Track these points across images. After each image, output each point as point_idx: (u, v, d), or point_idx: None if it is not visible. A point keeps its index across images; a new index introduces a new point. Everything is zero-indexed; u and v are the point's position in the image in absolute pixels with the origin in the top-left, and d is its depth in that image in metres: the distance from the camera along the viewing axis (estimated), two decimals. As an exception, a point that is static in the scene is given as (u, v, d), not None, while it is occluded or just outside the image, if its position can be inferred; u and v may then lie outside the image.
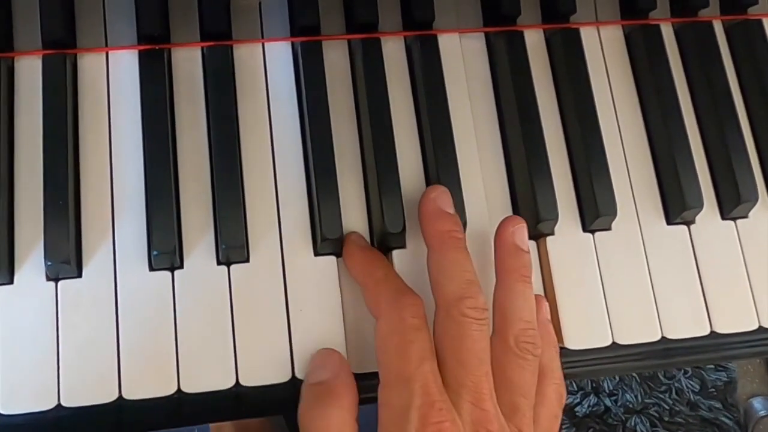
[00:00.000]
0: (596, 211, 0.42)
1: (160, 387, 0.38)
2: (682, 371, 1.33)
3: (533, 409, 0.38)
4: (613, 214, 0.42)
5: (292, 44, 0.43)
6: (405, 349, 0.35)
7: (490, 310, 0.38)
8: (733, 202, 0.43)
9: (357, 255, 0.40)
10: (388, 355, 0.36)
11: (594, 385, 1.31)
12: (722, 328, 0.42)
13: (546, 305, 0.41)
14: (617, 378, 1.31)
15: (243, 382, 0.38)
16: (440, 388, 0.35)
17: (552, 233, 0.42)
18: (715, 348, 0.43)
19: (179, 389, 0.38)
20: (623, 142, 0.44)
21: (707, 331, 0.42)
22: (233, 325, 0.39)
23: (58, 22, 0.41)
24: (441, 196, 0.40)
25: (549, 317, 0.41)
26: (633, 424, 1.29)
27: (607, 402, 1.30)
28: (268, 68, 0.43)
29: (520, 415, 0.36)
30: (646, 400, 1.31)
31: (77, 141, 0.40)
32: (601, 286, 0.42)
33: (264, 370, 0.38)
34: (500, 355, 0.37)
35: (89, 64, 0.42)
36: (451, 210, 0.40)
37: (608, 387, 1.31)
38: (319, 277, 0.40)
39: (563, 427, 1.29)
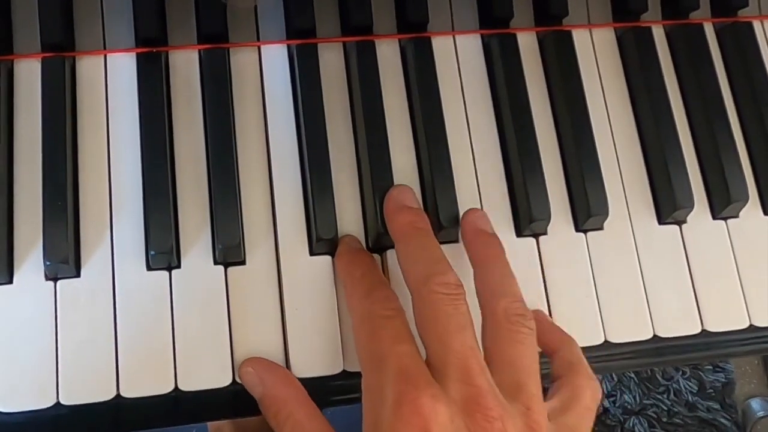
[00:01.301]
0: (588, 211, 0.42)
1: (158, 385, 0.38)
2: (680, 372, 1.33)
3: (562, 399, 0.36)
4: (604, 213, 0.42)
5: (288, 47, 0.44)
6: (376, 334, 0.35)
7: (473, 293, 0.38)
8: (723, 202, 0.43)
9: (344, 255, 0.40)
10: (362, 344, 0.36)
11: (592, 386, 1.31)
12: (713, 327, 0.43)
13: (544, 314, 0.41)
14: (615, 379, 1.31)
15: (240, 380, 0.38)
16: (420, 367, 0.33)
17: (545, 233, 0.43)
18: (706, 346, 0.43)
19: (176, 387, 0.38)
20: (615, 142, 0.45)
21: (698, 330, 0.42)
22: (230, 323, 0.39)
23: (57, 26, 0.41)
24: (402, 193, 0.40)
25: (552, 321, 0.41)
26: (631, 425, 1.29)
27: (606, 403, 1.30)
28: (264, 70, 0.43)
29: (526, 393, 0.34)
30: (645, 401, 1.31)
31: (76, 142, 0.41)
32: (593, 285, 0.42)
33: (260, 369, 0.39)
34: (493, 334, 0.36)
35: (88, 67, 0.42)
36: (414, 204, 0.40)
37: (606, 388, 1.31)
38: (314, 277, 0.40)
39: (561, 428, 1.29)
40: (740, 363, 1.39)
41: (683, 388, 1.32)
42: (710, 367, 1.34)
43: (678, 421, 1.31)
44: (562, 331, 0.40)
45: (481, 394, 0.32)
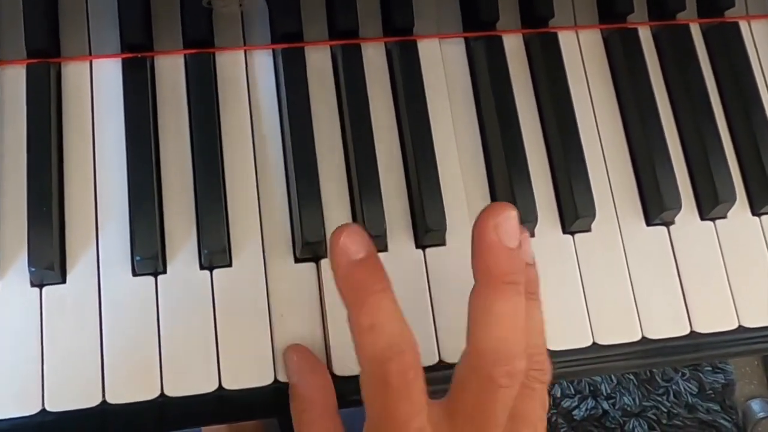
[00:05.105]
0: (575, 213, 0.42)
1: (144, 391, 0.38)
2: (680, 373, 1.33)
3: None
4: (592, 215, 0.42)
5: (274, 51, 0.44)
6: (389, 412, 0.31)
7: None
8: (711, 203, 0.43)
9: (344, 271, 0.33)
10: (373, 410, 0.32)
11: (592, 388, 1.31)
12: (702, 328, 0.42)
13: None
14: (615, 381, 1.31)
15: (226, 385, 0.38)
16: None
17: (532, 235, 0.42)
18: (695, 348, 0.43)
19: (162, 393, 0.38)
20: (602, 144, 0.45)
21: (687, 331, 0.42)
22: (216, 329, 0.39)
23: (42, 31, 0.41)
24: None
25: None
26: (631, 427, 1.29)
27: (605, 405, 1.30)
28: (250, 75, 0.43)
29: None
30: (644, 403, 1.31)
31: (61, 148, 0.41)
32: (581, 287, 0.42)
33: (246, 374, 0.39)
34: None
35: (73, 73, 0.42)
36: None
37: (606, 390, 1.31)
38: (300, 282, 0.40)
39: (561, 430, 1.29)
40: (740, 364, 1.38)
41: (683, 389, 1.32)
42: (710, 369, 1.34)
43: (678, 422, 1.30)
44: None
45: None
